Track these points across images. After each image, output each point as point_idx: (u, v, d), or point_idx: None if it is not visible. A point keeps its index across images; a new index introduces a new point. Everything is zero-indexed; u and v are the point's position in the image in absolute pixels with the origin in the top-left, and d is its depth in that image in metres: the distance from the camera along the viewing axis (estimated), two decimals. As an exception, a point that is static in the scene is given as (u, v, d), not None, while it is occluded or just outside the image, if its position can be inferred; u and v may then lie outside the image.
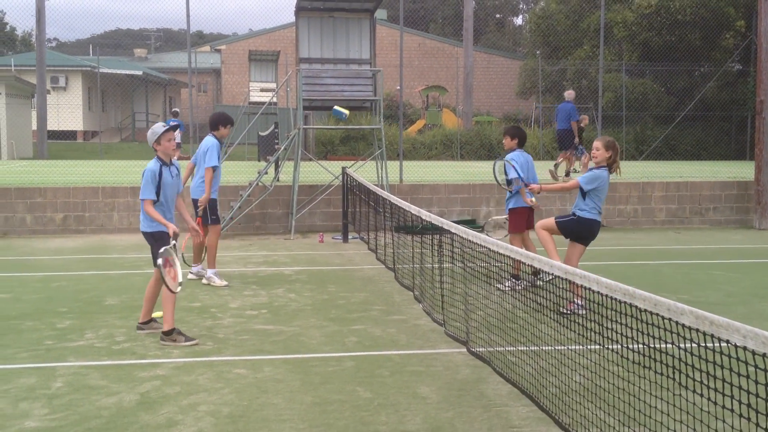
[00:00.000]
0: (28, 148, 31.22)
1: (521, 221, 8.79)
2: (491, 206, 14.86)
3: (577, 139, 16.61)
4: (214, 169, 9.11)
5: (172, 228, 6.55)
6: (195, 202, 9.30)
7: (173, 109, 28.60)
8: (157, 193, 6.58)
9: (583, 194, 7.75)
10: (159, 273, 6.34)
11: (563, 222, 7.93)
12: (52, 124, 33.01)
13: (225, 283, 9.14)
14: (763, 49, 14.97)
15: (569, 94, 17.14)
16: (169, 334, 6.46)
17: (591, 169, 7.85)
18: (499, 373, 5.57)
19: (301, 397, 5.18)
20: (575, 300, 6.72)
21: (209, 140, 9.22)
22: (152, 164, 6.63)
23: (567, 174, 16.83)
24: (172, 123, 25.42)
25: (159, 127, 6.78)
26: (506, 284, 7.48)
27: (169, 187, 6.71)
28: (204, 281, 9.27)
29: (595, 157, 7.73)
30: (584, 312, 5.66)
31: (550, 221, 8.03)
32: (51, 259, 11.16)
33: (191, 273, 9.46)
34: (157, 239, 6.59)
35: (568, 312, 6.13)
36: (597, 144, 7.72)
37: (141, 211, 6.68)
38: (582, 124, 18.80)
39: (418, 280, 8.39)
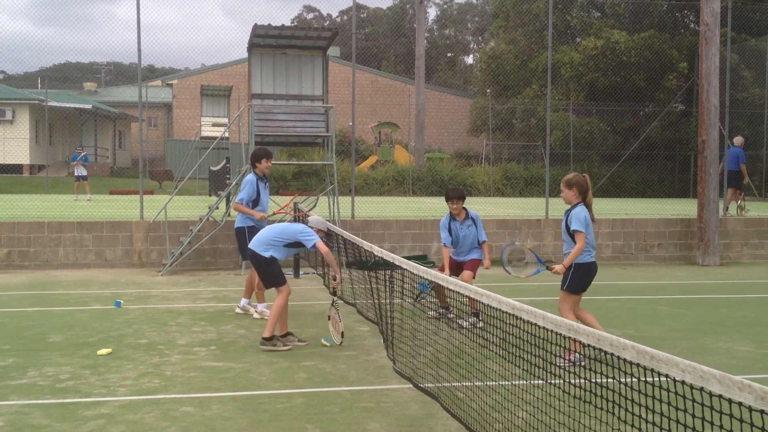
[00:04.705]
0: (-28, 182, 30.54)
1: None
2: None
3: (746, 180, 18.14)
4: (244, 203, 9.50)
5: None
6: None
7: (78, 147, 28.97)
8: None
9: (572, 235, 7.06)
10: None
11: (571, 283, 7.11)
12: (-3, 158, 32.39)
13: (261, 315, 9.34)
14: (704, 90, 15.48)
15: (738, 140, 18.44)
16: (269, 340, 7.46)
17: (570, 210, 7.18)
18: (446, 410, 5.59)
19: (249, 435, 5.13)
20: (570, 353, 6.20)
21: (247, 177, 9.76)
22: None
23: (741, 208, 17.90)
24: (80, 155, 25.38)
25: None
26: (469, 320, 7.54)
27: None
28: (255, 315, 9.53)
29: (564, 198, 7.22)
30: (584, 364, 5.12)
31: (570, 299, 7.14)
32: (-7, 296, 10.89)
33: (239, 307, 9.74)
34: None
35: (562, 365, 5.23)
36: (561, 186, 7.18)
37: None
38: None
39: (372, 314, 8.40)
